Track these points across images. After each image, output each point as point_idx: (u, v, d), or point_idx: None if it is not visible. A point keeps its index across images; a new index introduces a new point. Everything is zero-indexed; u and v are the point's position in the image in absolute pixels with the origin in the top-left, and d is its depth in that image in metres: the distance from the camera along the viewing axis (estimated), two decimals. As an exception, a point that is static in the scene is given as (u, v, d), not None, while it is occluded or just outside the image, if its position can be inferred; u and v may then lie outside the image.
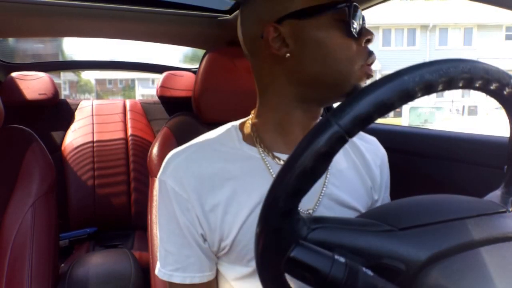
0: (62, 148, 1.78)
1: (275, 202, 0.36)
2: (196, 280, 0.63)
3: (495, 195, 0.48)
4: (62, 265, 1.39)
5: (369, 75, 0.60)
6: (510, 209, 0.44)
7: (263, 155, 0.62)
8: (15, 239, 0.90)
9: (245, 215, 0.60)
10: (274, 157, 0.62)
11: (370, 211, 0.45)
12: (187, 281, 0.63)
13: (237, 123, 0.70)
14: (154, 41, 1.63)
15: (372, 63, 0.61)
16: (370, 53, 0.60)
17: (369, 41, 0.60)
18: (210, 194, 0.61)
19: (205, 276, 0.64)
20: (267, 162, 0.62)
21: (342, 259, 0.35)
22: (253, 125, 0.66)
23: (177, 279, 0.63)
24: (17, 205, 0.93)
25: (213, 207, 0.60)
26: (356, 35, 0.58)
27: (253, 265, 0.61)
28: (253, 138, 0.64)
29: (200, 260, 0.63)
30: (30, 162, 0.97)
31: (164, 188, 0.63)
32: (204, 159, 0.62)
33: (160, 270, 0.65)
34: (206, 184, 0.61)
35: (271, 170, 0.61)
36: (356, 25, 0.57)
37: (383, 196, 0.75)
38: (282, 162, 0.62)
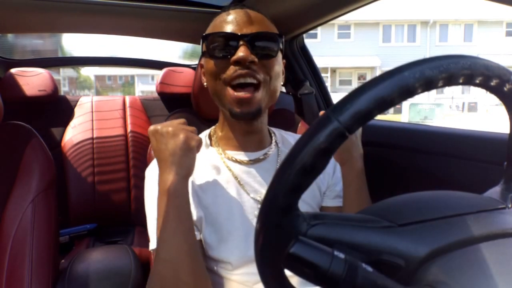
0: (62, 144, 1.78)
1: (275, 198, 0.36)
2: None
3: (495, 191, 0.48)
4: (62, 261, 1.39)
5: (237, 102, 0.71)
6: (510, 206, 0.44)
7: (222, 155, 0.79)
8: (15, 235, 0.90)
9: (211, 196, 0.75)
10: (228, 156, 0.79)
11: (370, 207, 0.45)
12: None
13: (210, 129, 0.86)
14: (153, 37, 1.63)
15: (236, 78, 0.70)
16: (235, 71, 0.70)
17: (237, 63, 0.69)
18: None
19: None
20: (225, 162, 0.78)
21: (341, 255, 0.35)
22: (216, 132, 0.84)
23: None
24: (17, 201, 0.93)
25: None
26: (219, 57, 0.72)
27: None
28: (214, 144, 0.82)
29: None
30: (29, 158, 0.97)
31: (149, 178, 0.77)
32: None
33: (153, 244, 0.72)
34: None
35: (227, 165, 0.78)
36: (217, 48, 0.72)
37: (335, 181, 0.85)
38: (234, 159, 0.79)
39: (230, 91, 0.71)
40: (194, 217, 0.71)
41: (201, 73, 0.82)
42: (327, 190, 0.85)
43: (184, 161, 0.66)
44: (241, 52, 0.68)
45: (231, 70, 0.70)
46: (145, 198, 0.77)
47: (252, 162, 0.79)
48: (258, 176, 0.78)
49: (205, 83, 0.79)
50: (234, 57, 0.69)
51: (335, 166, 0.87)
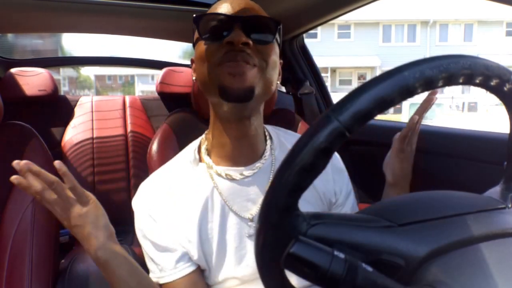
0: (62, 144, 1.78)
1: (275, 198, 0.36)
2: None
3: (495, 191, 0.48)
4: (62, 261, 1.39)
5: (229, 73, 0.63)
6: (510, 205, 0.44)
7: (211, 172, 0.72)
8: (15, 235, 0.90)
9: (196, 224, 0.69)
10: (217, 171, 0.72)
11: (370, 207, 0.45)
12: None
13: (201, 138, 0.78)
14: (153, 37, 1.63)
15: (227, 59, 0.63)
16: (228, 51, 0.63)
17: (229, 43, 0.63)
18: (171, 225, 0.70)
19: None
20: (215, 181, 0.72)
21: (341, 255, 0.35)
22: (207, 139, 0.76)
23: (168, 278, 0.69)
24: (17, 202, 0.93)
25: (172, 224, 0.70)
26: (211, 39, 0.65)
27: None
28: (203, 156, 0.74)
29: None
30: (29, 158, 0.97)
31: (136, 210, 0.74)
32: (164, 190, 0.72)
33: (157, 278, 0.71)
34: (167, 219, 0.70)
35: (216, 184, 0.71)
36: (209, 29, 0.65)
37: (343, 200, 0.80)
38: (224, 175, 0.71)
39: (221, 68, 0.64)
40: (180, 252, 0.69)
41: (192, 69, 0.74)
42: (333, 206, 0.80)
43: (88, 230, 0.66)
44: (234, 33, 0.62)
45: (222, 52, 0.64)
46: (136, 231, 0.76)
47: (244, 177, 0.72)
48: (250, 193, 0.72)
49: (194, 77, 0.72)
50: (227, 38, 0.62)
51: (348, 197, 0.82)
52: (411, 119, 0.93)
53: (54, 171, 1.04)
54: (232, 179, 0.72)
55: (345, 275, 0.34)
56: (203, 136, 0.78)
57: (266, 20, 0.67)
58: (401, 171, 0.94)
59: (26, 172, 0.61)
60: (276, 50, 0.69)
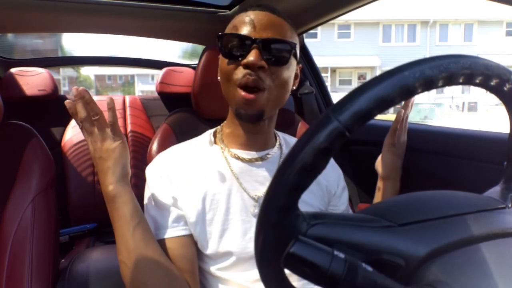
0: (62, 144, 1.78)
1: (275, 197, 0.36)
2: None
3: (495, 191, 0.48)
4: (62, 260, 1.39)
5: (244, 103, 0.71)
6: (510, 205, 0.44)
7: (225, 152, 0.80)
8: (15, 234, 0.90)
9: (203, 193, 0.75)
10: (231, 153, 0.79)
11: (370, 207, 0.45)
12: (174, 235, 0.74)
13: (217, 127, 0.87)
14: (154, 36, 1.63)
15: (244, 84, 0.70)
16: (244, 76, 0.70)
17: (246, 66, 0.70)
18: (181, 185, 0.76)
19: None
20: (227, 159, 0.79)
21: (341, 255, 0.35)
22: (222, 130, 0.84)
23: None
24: (17, 201, 0.93)
25: (182, 192, 0.76)
26: (231, 57, 0.72)
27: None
28: (218, 141, 0.83)
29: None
30: (29, 158, 0.97)
31: (149, 176, 0.81)
32: (177, 155, 0.80)
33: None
34: (179, 179, 0.77)
35: (228, 161, 0.79)
36: (230, 48, 0.72)
37: (340, 192, 0.89)
38: (236, 156, 0.79)
39: (239, 91, 0.72)
40: (175, 214, 0.75)
41: (219, 68, 0.81)
42: (329, 204, 0.87)
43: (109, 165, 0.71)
44: (251, 57, 0.69)
45: (241, 73, 0.71)
46: (145, 193, 0.81)
47: (254, 161, 0.79)
48: (259, 175, 0.79)
49: (219, 78, 0.80)
50: (244, 61, 0.69)
51: (344, 190, 0.91)
52: (399, 112, 1.02)
53: (54, 171, 1.05)
54: (243, 161, 0.79)
55: (345, 275, 0.34)
56: (219, 126, 0.86)
57: (284, 42, 0.72)
58: (393, 164, 1.02)
59: (79, 99, 0.69)
60: (290, 68, 0.75)
